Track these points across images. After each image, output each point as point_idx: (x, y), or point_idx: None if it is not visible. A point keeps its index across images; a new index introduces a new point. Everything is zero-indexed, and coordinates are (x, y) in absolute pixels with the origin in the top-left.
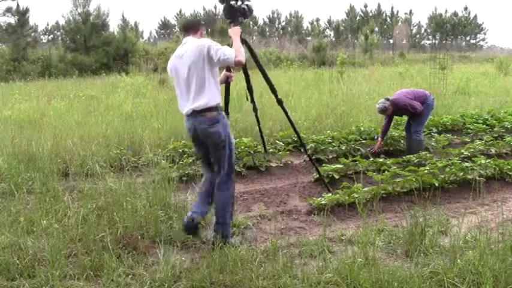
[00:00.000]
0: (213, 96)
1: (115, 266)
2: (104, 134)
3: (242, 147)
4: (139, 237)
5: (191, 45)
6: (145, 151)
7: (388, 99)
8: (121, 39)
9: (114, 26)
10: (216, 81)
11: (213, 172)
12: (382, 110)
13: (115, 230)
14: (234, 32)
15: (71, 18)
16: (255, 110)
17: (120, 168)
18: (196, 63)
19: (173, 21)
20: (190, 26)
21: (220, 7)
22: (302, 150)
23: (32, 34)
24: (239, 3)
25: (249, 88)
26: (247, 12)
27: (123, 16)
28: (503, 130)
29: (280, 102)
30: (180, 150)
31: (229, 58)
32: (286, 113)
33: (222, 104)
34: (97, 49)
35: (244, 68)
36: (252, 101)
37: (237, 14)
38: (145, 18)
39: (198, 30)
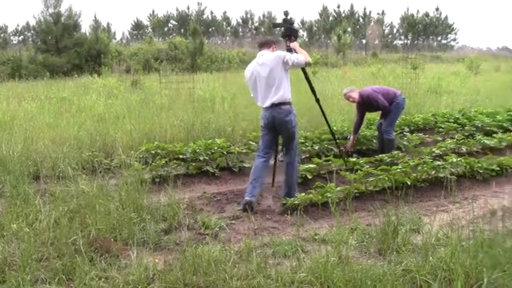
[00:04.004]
0: (287, 92)
1: (87, 269)
2: (75, 136)
3: (215, 148)
4: (112, 239)
5: (269, 56)
6: (118, 153)
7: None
8: (93, 40)
9: (86, 27)
10: (288, 81)
11: (270, 154)
12: (348, 90)
13: (87, 233)
14: (295, 45)
15: (42, 19)
16: (317, 100)
17: (93, 171)
18: (275, 68)
19: (146, 22)
20: (266, 43)
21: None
22: (336, 146)
23: (2, 35)
24: (292, 27)
25: (311, 85)
26: (296, 33)
27: (95, 17)
28: (474, 129)
29: (317, 101)
30: (153, 152)
31: (301, 61)
32: (322, 111)
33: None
34: (69, 50)
35: (304, 70)
36: (315, 95)
37: (293, 33)
38: (117, 19)
39: (271, 46)
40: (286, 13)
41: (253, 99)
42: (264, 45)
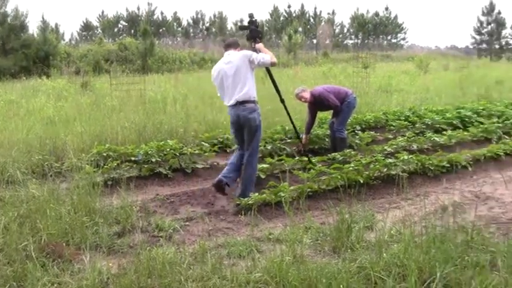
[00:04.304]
0: (252, 91)
1: (39, 275)
2: (24, 140)
3: (168, 149)
4: (64, 244)
5: (236, 55)
6: (69, 156)
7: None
8: (41, 42)
9: (33, 28)
10: (254, 80)
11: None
12: (300, 90)
13: (38, 238)
14: (261, 46)
15: None
16: (282, 101)
17: (43, 175)
18: (241, 67)
19: (95, 23)
20: (233, 44)
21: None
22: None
23: None
24: (258, 29)
25: (276, 86)
26: (260, 35)
27: (43, 17)
28: (424, 126)
29: (282, 101)
30: (105, 154)
31: (267, 61)
32: (287, 111)
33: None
34: (16, 52)
35: (268, 70)
36: (280, 95)
37: (258, 36)
38: (66, 20)
39: (237, 47)
40: (251, 15)
41: (213, 99)
42: (230, 46)
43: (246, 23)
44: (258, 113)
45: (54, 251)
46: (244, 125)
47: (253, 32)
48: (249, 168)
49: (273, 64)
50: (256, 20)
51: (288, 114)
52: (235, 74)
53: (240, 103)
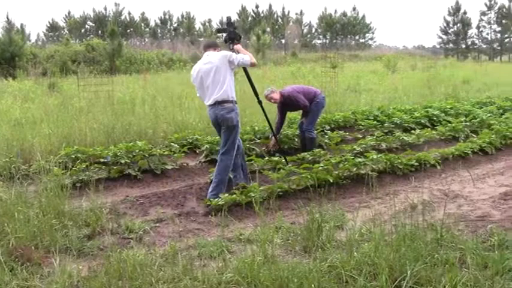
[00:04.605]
0: (230, 91)
1: (8, 280)
2: None
3: (137, 150)
4: (33, 247)
5: (215, 56)
6: (37, 158)
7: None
8: (6, 42)
9: None
10: (233, 81)
11: (238, 149)
12: (269, 91)
13: (6, 242)
14: (239, 47)
15: None
16: (259, 102)
17: (10, 177)
18: (220, 67)
19: (62, 23)
20: (212, 45)
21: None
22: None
23: None
24: (236, 31)
25: (253, 86)
26: (239, 37)
27: (7, 18)
28: (392, 125)
29: (260, 102)
30: (73, 156)
31: (246, 61)
32: (264, 111)
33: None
34: None
35: (245, 70)
36: (257, 96)
37: (236, 37)
38: (32, 20)
39: (216, 48)
40: (229, 18)
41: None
42: (209, 47)
43: (223, 26)
44: (236, 113)
45: (23, 255)
46: (222, 124)
47: (231, 34)
48: (222, 167)
49: (252, 65)
50: (234, 22)
51: (265, 115)
52: (215, 74)
53: (219, 103)
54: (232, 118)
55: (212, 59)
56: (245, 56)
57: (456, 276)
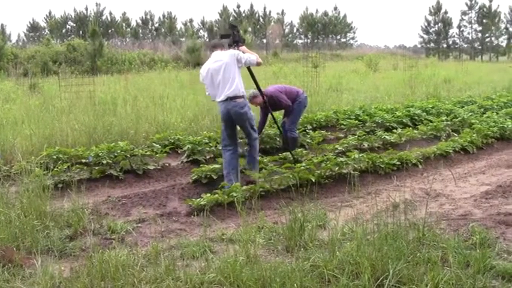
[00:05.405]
0: (240, 87)
1: None
2: None
3: (118, 151)
4: (14, 249)
5: (223, 54)
6: (18, 159)
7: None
8: None
9: None
10: (241, 77)
11: (235, 145)
12: (252, 97)
13: None
14: (244, 48)
15: None
16: (265, 102)
17: None
18: (229, 65)
19: (43, 24)
20: (218, 45)
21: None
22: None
23: None
24: (240, 33)
25: (258, 85)
26: (243, 39)
27: None
28: (374, 125)
29: (265, 102)
30: (54, 157)
31: (253, 60)
32: (269, 110)
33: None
34: None
35: (249, 69)
36: (261, 94)
37: (240, 40)
38: (12, 20)
39: (222, 47)
40: (231, 23)
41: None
42: (216, 46)
43: (224, 32)
44: (248, 107)
45: (4, 256)
46: (237, 120)
47: (235, 37)
48: (253, 152)
49: (258, 64)
50: (237, 26)
51: (272, 113)
52: (225, 71)
53: (231, 98)
54: (246, 112)
55: (221, 57)
56: (252, 56)
57: (438, 274)
